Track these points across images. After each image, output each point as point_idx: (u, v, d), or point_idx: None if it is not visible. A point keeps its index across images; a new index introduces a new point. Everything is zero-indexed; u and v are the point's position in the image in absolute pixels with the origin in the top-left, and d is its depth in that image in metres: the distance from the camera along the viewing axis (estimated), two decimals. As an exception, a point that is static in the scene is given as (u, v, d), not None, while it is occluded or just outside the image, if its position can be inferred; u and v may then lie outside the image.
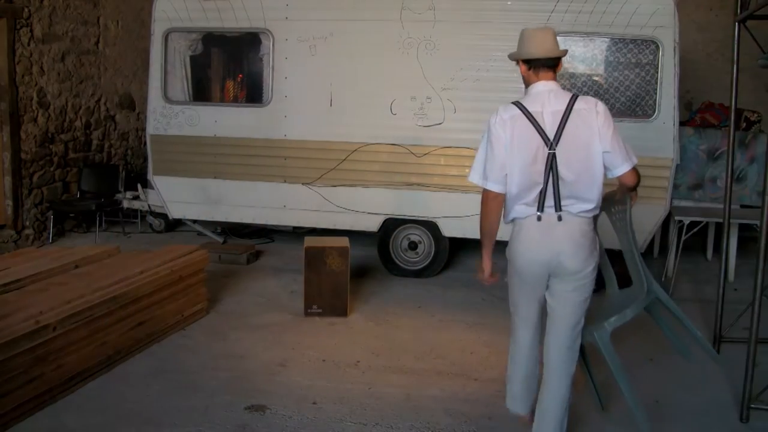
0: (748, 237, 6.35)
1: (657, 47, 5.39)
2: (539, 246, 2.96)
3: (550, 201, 2.92)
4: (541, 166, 2.90)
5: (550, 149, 2.90)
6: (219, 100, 6.66)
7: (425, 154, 5.86)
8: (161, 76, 6.35)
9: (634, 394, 3.14)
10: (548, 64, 2.99)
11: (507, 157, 2.95)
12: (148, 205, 7.48)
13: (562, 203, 2.92)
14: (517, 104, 3.00)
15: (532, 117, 2.94)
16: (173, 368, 4.09)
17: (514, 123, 2.95)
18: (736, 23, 4.12)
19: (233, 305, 5.29)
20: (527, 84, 3.07)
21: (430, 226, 6.06)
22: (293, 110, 6.10)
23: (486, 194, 3.01)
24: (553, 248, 2.93)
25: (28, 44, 6.92)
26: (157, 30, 6.32)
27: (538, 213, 2.94)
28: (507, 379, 3.33)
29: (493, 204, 3.01)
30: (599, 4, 5.42)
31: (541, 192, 2.92)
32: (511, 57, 3.13)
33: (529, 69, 3.02)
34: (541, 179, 2.91)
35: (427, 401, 3.72)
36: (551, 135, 2.90)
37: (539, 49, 2.98)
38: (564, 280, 2.98)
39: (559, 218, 2.92)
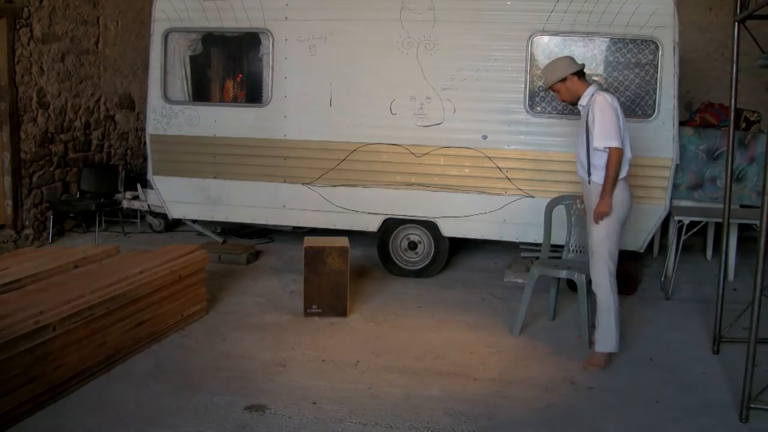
0: (747, 237, 6.36)
1: (657, 47, 5.39)
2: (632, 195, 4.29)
3: None
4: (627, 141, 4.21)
5: None
6: (219, 100, 6.65)
7: (425, 154, 5.86)
8: (161, 76, 6.35)
9: (585, 314, 4.55)
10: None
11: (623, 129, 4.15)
12: (148, 205, 7.47)
13: None
14: (610, 94, 4.22)
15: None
16: (173, 368, 4.09)
17: (619, 105, 4.15)
18: (736, 23, 4.12)
19: (233, 305, 5.29)
20: (579, 91, 4.23)
21: (430, 226, 6.06)
22: (293, 110, 6.10)
23: (617, 151, 4.07)
24: None
25: (28, 44, 6.92)
26: (157, 30, 6.32)
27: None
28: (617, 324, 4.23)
29: (621, 158, 4.10)
30: (599, 4, 5.42)
31: None
32: (563, 75, 4.21)
33: (579, 78, 4.22)
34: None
35: (427, 401, 3.72)
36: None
37: (578, 64, 4.28)
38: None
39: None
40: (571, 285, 5.40)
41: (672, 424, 3.53)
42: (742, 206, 5.93)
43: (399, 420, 3.50)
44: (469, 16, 5.69)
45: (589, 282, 4.33)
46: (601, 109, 4.05)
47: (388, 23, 5.80)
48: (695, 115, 6.44)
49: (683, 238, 5.61)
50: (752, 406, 3.52)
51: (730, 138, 4.32)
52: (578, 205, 4.84)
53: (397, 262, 6.24)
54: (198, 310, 4.94)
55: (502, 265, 6.50)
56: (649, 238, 5.64)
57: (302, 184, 6.15)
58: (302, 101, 6.07)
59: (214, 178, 6.35)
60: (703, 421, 3.55)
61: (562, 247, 5.13)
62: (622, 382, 4.00)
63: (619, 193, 4.14)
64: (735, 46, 4.18)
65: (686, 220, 5.60)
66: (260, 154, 6.18)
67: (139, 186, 7.55)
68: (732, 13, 4.15)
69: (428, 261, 6.18)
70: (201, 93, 6.63)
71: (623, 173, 4.15)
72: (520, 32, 5.59)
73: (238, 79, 6.72)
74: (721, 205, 4.74)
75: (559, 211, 5.06)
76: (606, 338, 4.21)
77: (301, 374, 4.04)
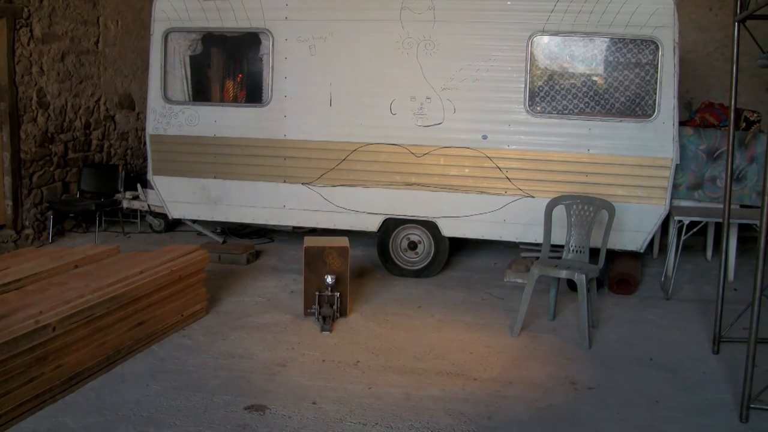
0: (747, 237, 6.36)
1: (657, 47, 5.39)
2: None
3: None
4: None
5: None
6: (219, 100, 6.66)
7: (425, 154, 5.86)
8: (161, 76, 6.36)
9: (585, 314, 4.57)
10: None
11: None
12: (148, 205, 7.48)
13: None
14: None
15: None
16: (173, 368, 4.09)
17: None
18: (736, 23, 4.12)
19: (233, 305, 5.29)
20: None
21: (430, 226, 6.06)
22: (293, 110, 6.10)
23: None
24: None
25: (28, 44, 6.92)
26: (157, 30, 6.32)
27: None
28: None
29: None
30: (599, 4, 5.42)
31: None
32: None
33: None
34: None
35: (427, 401, 3.72)
36: None
37: None
38: None
39: None
40: (571, 285, 5.41)
41: (672, 424, 3.53)
42: (742, 206, 5.93)
43: (399, 420, 3.50)
44: (469, 16, 5.69)
45: (589, 282, 4.33)
46: None
47: (388, 23, 5.80)
48: (695, 115, 6.44)
49: (683, 238, 5.61)
50: (752, 406, 3.52)
51: (730, 138, 4.31)
52: (578, 206, 4.85)
53: (397, 262, 6.24)
54: (198, 310, 4.94)
55: (502, 265, 6.50)
56: (649, 238, 5.64)
57: (302, 184, 6.15)
58: (302, 101, 6.07)
59: (214, 178, 6.36)
60: (703, 421, 3.55)
61: (562, 247, 5.14)
62: (622, 382, 4.00)
63: None
64: (735, 45, 4.18)
65: (686, 220, 5.60)
66: (260, 154, 6.19)
67: (139, 186, 7.55)
68: (732, 13, 4.15)
69: (428, 261, 6.18)
70: (201, 93, 6.64)
71: None
72: (520, 32, 5.59)
73: (238, 79, 6.73)
74: (721, 205, 4.75)
75: (559, 211, 5.08)
76: None
77: (301, 374, 4.04)
